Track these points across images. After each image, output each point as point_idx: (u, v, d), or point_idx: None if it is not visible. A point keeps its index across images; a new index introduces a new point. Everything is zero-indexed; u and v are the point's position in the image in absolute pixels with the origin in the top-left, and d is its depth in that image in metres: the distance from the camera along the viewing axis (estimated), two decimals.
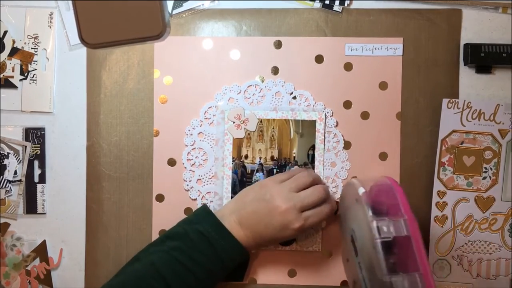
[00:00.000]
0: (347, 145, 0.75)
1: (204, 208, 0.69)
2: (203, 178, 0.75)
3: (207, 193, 0.75)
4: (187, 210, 0.75)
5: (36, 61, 0.76)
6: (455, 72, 0.75)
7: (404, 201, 0.59)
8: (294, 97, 0.75)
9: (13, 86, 0.76)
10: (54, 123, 0.77)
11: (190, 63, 0.76)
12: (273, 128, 0.74)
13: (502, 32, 0.75)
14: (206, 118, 0.75)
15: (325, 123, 0.74)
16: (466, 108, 0.73)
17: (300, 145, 0.74)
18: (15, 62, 0.76)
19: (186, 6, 0.76)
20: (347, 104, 0.75)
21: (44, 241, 0.77)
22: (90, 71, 0.76)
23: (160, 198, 0.76)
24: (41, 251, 0.76)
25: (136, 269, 0.65)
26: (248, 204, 0.67)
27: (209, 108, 0.75)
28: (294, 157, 0.74)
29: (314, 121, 0.74)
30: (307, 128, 0.74)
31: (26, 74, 0.76)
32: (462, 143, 0.74)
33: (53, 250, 0.77)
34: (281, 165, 0.74)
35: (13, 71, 0.76)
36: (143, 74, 0.76)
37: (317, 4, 0.75)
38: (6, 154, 0.76)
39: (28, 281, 0.76)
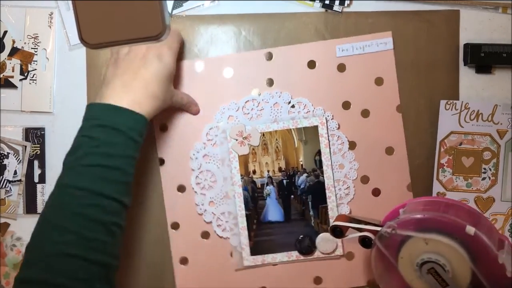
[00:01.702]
0: (352, 146, 0.75)
1: (88, 107, 0.64)
2: (215, 200, 0.74)
3: (221, 214, 0.74)
4: (204, 234, 0.74)
5: (36, 61, 0.76)
6: (455, 73, 0.75)
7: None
8: (293, 106, 0.74)
9: (13, 86, 0.76)
10: (54, 123, 0.77)
11: (184, 88, 0.75)
12: (276, 140, 0.74)
13: (502, 32, 0.75)
14: (209, 140, 0.74)
15: (327, 126, 0.74)
16: (464, 109, 0.73)
17: (306, 152, 0.74)
18: (15, 62, 0.76)
19: (186, 6, 0.76)
20: (346, 105, 0.75)
21: None
22: (90, 77, 0.76)
23: (175, 226, 0.75)
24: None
25: (55, 204, 0.59)
26: (113, 76, 0.65)
27: (210, 129, 0.75)
28: (302, 165, 0.74)
29: (316, 127, 0.73)
30: (310, 134, 0.73)
31: (26, 74, 0.76)
32: (460, 144, 0.74)
33: None
34: (289, 175, 0.74)
35: (13, 71, 0.76)
36: None
37: (317, 4, 0.75)
38: (6, 154, 0.76)
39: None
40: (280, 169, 0.75)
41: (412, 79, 0.75)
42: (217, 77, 0.75)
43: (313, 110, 0.74)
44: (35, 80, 0.76)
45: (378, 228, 0.60)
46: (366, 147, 0.75)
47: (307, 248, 0.73)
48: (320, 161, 0.74)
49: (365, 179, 0.75)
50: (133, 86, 0.63)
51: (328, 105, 0.75)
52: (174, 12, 0.76)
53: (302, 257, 0.74)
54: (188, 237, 0.75)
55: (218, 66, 0.75)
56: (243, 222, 0.73)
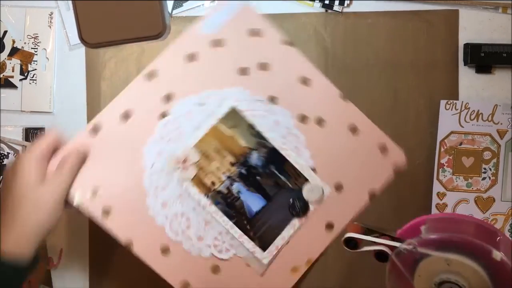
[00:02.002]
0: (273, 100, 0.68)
1: None
2: (200, 234, 0.69)
3: (214, 239, 0.69)
4: (214, 269, 0.69)
5: (36, 61, 0.76)
6: (455, 73, 0.75)
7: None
8: (203, 104, 0.68)
9: (13, 86, 0.76)
10: (54, 123, 0.77)
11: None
12: (210, 142, 0.70)
13: (502, 32, 0.75)
14: (156, 187, 0.67)
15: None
16: (464, 109, 0.73)
17: (242, 134, 0.69)
18: (15, 62, 0.76)
19: (186, 6, 0.76)
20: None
21: (44, 241, 0.76)
22: (90, 80, 0.76)
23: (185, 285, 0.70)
24: (41, 251, 0.76)
25: None
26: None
27: (151, 176, 0.67)
28: (246, 147, 0.69)
29: (234, 108, 0.68)
30: (233, 117, 0.69)
31: (26, 74, 0.76)
32: (460, 144, 0.74)
33: (53, 250, 0.77)
34: (242, 162, 0.71)
35: (13, 71, 0.76)
36: None
37: (317, 4, 0.75)
38: (6, 154, 0.76)
39: (28, 281, 0.76)
40: (231, 164, 0.73)
41: (412, 79, 0.75)
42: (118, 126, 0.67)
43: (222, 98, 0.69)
44: (35, 80, 0.76)
45: (397, 244, 0.58)
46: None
47: (300, 209, 0.72)
48: (258, 132, 0.71)
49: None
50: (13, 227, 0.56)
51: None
52: (174, 12, 0.76)
53: (303, 219, 0.72)
54: (201, 278, 0.70)
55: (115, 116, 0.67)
56: (236, 232, 0.71)
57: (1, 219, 0.56)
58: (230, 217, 0.71)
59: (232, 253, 0.72)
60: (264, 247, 0.72)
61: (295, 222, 0.71)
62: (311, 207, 0.71)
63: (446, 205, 0.74)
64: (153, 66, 0.64)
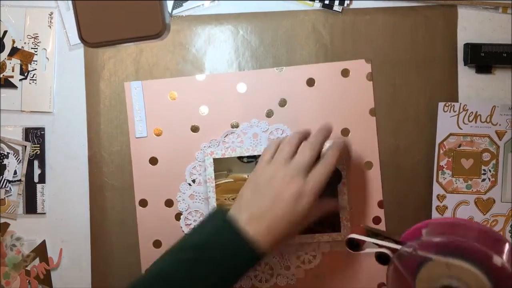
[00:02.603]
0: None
1: (216, 215, 0.64)
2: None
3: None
4: None
5: (36, 61, 0.76)
6: (454, 68, 0.75)
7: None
8: (270, 133, 0.75)
9: (13, 86, 0.76)
10: (54, 123, 0.77)
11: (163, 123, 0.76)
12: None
13: (502, 32, 0.75)
14: (193, 180, 0.75)
15: None
16: (463, 111, 0.73)
17: None
18: (15, 62, 0.76)
19: (186, 6, 0.76)
20: None
21: (44, 241, 0.76)
22: (89, 80, 0.76)
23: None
24: (41, 251, 0.76)
25: (143, 280, 0.62)
26: (251, 199, 0.63)
27: (193, 168, 0.75)
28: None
29: None
30: None
31: (26, 74, 0.76)
32: (459, 146, 0.74)
33: (53, 250, 0.77)
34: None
35: (13, 71, 0.76)
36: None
37: (317, 4, 0.75)
38: (6, 154, 0.76)
39: (28, 281, 0.76)
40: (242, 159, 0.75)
41: (411, 76, 0.74)
42: (195, 114, 0.75)
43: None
44: (35, 80, 0.76)
45: (397, 246, 0.58)
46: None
47: (335, 182, 0.71)
48: None
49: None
50: (271, 222, 0.61)
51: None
52: (174, 12, 0.76)
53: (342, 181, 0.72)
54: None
55: (194, 103, 0.75)
56: (313, 237, 0.73)
57: (265, 220, 0.61)
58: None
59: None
60: (334, 228, 0.72)
61: (340, 188, 0.72)
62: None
63: (446, 207, 0.74)
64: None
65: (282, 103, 0.75)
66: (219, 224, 0.62)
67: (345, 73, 0.75)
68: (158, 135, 0.75)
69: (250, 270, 0.62)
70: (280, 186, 0.61)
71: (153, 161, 0.75)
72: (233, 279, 0.61)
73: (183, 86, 0.75)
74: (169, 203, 0.75)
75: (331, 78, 0.75)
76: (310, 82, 0.75)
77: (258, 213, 0.61)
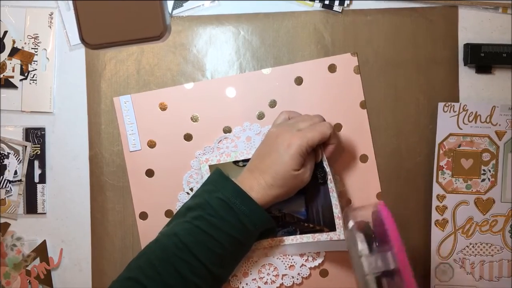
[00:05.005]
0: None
1: (220, 174, 0.67)
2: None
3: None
4: None
5: (36, 61, 0.76)
6: (454, 70, 0.75)
7: (393, 229, 0.57)
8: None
9: (13, 86, 0.76)
10: (54, 123, 0.77)
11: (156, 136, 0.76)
12: None
13: (502, 32, 0.75)
14: (191, 189, 0.75)
15: None
16: (462, 111, 0.73)
17: None
18: (15, 62, 0.76)
19: (186, 6, 0.76)
20: None
21: (44, 241, 0.77)
22: (90, 80, 0.76)
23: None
24: (41, 251, 0.76)
25: (159, 242, 0.65)
26: (256, 153, 0.68)
27: (189, 177, 0.75)
28: None
29: None
30: None
31: (26, 74, 0.76)
32: (459, 146, 0.74)
33: (53, 250, 0.77)
34: None
35: (13, 71, 0.76)
36: (143, 82, 0.76)
37: (317, 5, 0.75)
38: (6, 154, 0.76)
39: (28, 281, 0.76)
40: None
41: (412, 75, 0.75)
42: (185, 123, 0.75)
43: None
44: (35, 80, 0.76)
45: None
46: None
47: (323, 174, 0.71)
48: None
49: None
50: (267, 171, 0.66)
51: None
52: (174, 12, 0.76)
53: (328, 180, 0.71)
54: None
55: (183, 113, 0.75)
56: (308, 237, 0.71)
57: (261, 170, 0.66)
58: (291, 233, 0.72)
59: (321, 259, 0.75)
60: (331, 227, 0.71)
61: (330, 186, 0.70)
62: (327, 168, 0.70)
63: (446, 207, 0.74)
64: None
65: (272, 104, 0.75)
66: (228, 188, 0.66)
67: (332, 68, 0.75)
68: (152, 146, 0.75)
69: (259, 229, 0.66)
70: (273, 137, 0.67)
71: (150, 173, 0.75)
72: (243, 240, 0.65)
73: (172, 96, 0.75)
74: (169, 213, 0.75)
75: (319, 74, 0.75)
76: (298, 81, 0.75)
77: (256, 166, 0.67)
